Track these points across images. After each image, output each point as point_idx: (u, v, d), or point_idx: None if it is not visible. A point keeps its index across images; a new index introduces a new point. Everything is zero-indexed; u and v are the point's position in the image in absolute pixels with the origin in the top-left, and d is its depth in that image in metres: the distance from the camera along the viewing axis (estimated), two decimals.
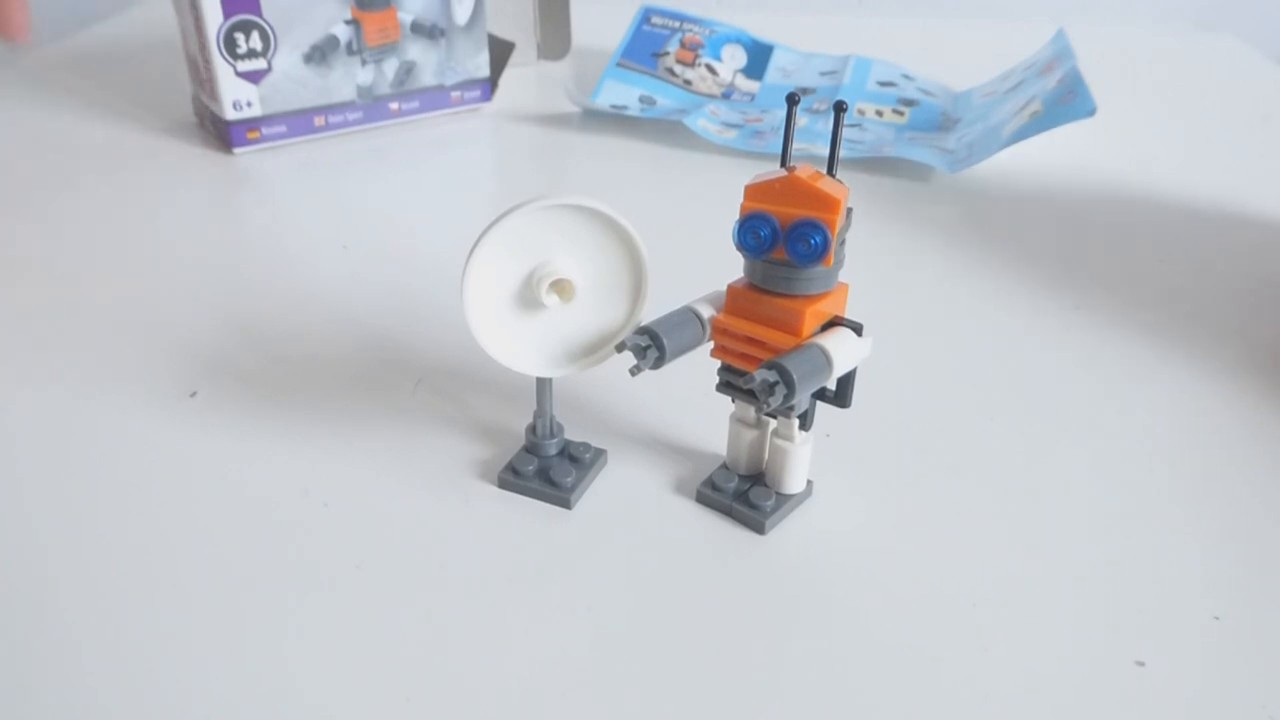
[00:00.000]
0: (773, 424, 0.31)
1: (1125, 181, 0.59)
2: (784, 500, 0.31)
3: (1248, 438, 0.36)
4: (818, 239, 0.26)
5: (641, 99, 0.68)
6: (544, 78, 0.75)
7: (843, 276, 0.29)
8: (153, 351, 0.39)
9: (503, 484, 0.32)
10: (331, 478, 0.33)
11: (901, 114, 0.66)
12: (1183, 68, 0.83)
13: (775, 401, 0.26)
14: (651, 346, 0.28)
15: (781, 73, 0.73)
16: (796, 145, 0.29)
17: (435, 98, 0.65)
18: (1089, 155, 0.62)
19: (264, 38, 0.57)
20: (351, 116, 0.62)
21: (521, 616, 0.28)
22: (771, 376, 0.26)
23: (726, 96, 0.70)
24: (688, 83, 0.70)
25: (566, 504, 0.32)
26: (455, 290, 0.30)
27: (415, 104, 0.65)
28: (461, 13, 0.63)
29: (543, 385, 0.32)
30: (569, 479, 0.32)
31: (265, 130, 0.59)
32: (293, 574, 0.29)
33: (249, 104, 0.58)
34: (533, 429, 0.33)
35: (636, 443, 0.35)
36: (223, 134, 0.59)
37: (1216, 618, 0.28)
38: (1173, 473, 0.34)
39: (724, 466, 0.33)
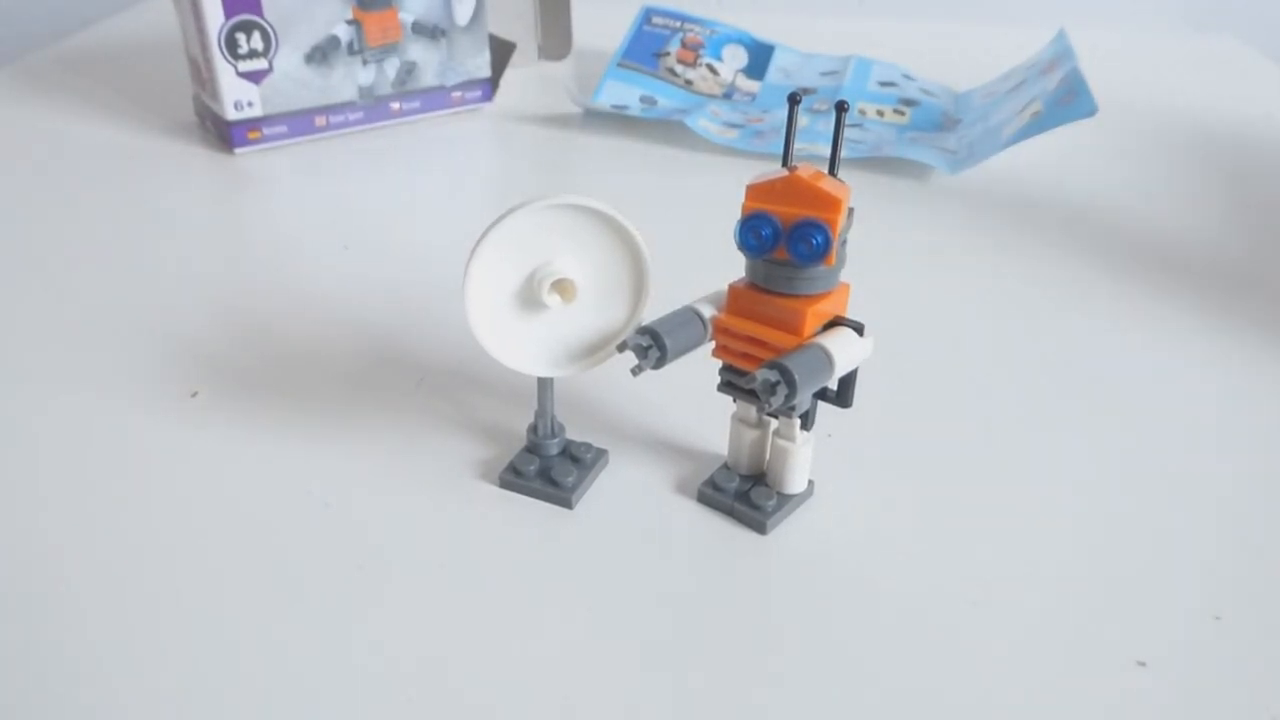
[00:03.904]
0: (774, 424, 0.31)
1: (1126, 182, 0.59)
2: (785, 500, 0.31)
3: (1247, 439, 0.36)
4: (819, 238, 0.26)
5: (642, 99, 0.68)
6: (545, 78, 0.75)
7: (844, 276, 0.29)
8: (154, 352, 0.39)
9: (504, 484, 0.32)
10: (333, 478, 0.33)
11: (902, 114, 0.66)
12: (1183, 68, 0.84)
13: (777, 401, 0.26)
14: (653, 346, 0.28)
15: (782, 73, 0.73)
16: (797, 145, 0.29)
17: (436, 98, 0.65)
18: (1090, 156, 0.62)
19: (265, 38, 0.57)
20: (352, 117, 0.62)
21: (523, 616, 0.28)
22: (773, 376, 0.26)
23: (727, 96, 0.70)
24: (689, 83, 0.70)
25: (568, 504, 0.32)
26: (456, 290, 0.30)
27: (416, 104, 0.65)
28: (462, 13, 0.63)
29: (544, 385, 0.32)
30: (570, 479, 0.32)
31: (266, 130, 0.59)
32: (295, 574, 0.29)
33: (250, 104, 0.58)
34: (534, 429, 0.33)
35: (638, 443, 0.35)
36: (224, 134, 0.59)
37: (1217, 618, 0.28)
38: (1173, 473, 0.34)
39: (725, 466, 0.33)
